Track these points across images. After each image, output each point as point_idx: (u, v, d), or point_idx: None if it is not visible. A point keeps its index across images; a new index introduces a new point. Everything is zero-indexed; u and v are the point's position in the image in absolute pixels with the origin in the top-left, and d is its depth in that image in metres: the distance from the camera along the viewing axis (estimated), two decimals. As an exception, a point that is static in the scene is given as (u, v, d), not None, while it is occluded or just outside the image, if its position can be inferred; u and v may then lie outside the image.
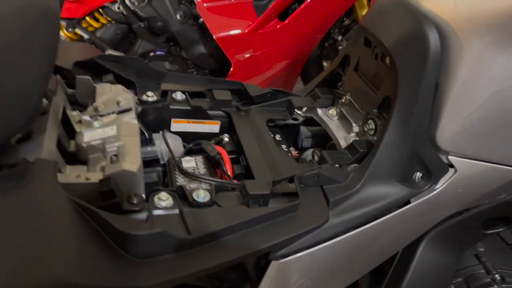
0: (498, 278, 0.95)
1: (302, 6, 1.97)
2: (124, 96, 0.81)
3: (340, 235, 0.75)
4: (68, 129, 0.75)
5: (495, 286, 0.94)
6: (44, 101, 0.71)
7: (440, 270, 0.94)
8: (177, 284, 0.61)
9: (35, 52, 0.55)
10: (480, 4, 0.70)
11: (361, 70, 0.88)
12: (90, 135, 0.72)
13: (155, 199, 0.67)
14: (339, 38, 2.45)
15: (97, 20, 2.07)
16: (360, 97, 0.87)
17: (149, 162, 0.85)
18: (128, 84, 0.93)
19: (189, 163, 0.83)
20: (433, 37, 0.70)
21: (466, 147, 0.76)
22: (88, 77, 0.83)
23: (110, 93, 0.82)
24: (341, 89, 0.98)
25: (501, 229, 0.94)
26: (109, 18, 2.08)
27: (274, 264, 0.72)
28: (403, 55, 0.74)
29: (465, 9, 0.71)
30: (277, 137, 0.97)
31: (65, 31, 2.04)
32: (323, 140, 0.96)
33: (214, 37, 1.99)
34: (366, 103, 0.84)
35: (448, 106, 0.73)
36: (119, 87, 0.85)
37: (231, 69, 2.08)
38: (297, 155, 0.99)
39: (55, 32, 0.59)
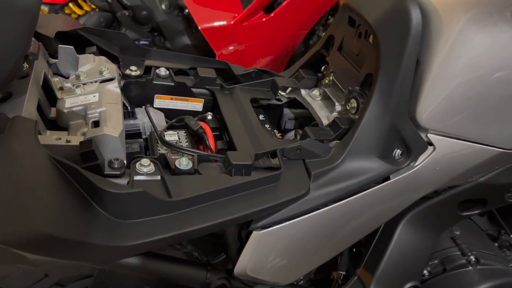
0: (473, 259, 0.97)
1: (288, 0, 1.99)
2: (107, 66, 0.81)
3: (320, 208, 0.76)
4: (50, 96, 0.74)
5: (470, 267, 0.96)
6: (25, 65, 0.70)
7: (417, 251, 0.96)
8: (156, 247, 0.60)
9: (15, 11, 0.55)
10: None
11: (344, 50, 0.90)
12: (71, 101, 0.72)
13: (137, 165, 0.66)
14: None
15: (80, 7, 2.05)
16: (343, 77, 0.89)
17: (131, 135, 0.85)
18: (112, 58, 0.92)
19: (171, 136, 0.83)
20: (415, 14, 0.72)
21: (445, 125, 0.78)
22: (71, 47, 0.82)
23: (93, 63, 0.82)
24: (324, 72, 0.99)
25: (477, 212, 0.96)
26: (93, 6, 2.06)
27: (255, 235, 0.73)
28: (386, 32, 0.75)
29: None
30: (261, 117, 0.97)
31: (48, 16, 2.00)
32: (306, 121, 0.97)
33: (199, 27, 1.99)
34: (349, 82, 0.85)
35: (428, 83, 0.74)
36: (103, 58, 0.85)
37: (216, 61, 2.08)
38: (280, 137, 0.99)
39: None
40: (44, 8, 1.98)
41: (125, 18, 2.07)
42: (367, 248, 0.95)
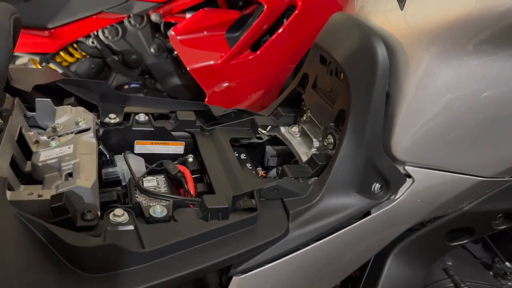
0: (467, 290, 0.95)
1: (273, 37, 2.04)
2: (83, 117, 0.82)
3: (301, 248, 0.74)
4: (25, 150, 0.74)
5: (464, 299, 0.94)
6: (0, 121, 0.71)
7: (409, 284, 0.93)
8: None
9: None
10: (425, 18, 0.73)
11: (319, 87, 0.91)
12: (46, 154, 0.72)
13: (110, 215, 0.66)
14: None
15: (71, 55, 2.09)
16: (319, 113, 0.89)
17: (110, 183, 0.85)
18: (92, 107, 0.94)
19: (150, 182, 0.83)
20: (380, 51, 0.73)
21: (422, 156, 0.78)
22: (48, 99, 0.84)
23: (70, 115, 0.83)
24: (304, 108, 1.00)
25: (465, 241, 0.94)
26: (83, 53, 2.11)
27: (235, 280, 0.71)
28: (354, 69, 0.77)
29: (412, 23, 0.75)
30: (242, 156, 0.97)
31: (39, 66, 2.05)
32: (289, 158, 0.97)
33: (188, 68, 2.03)
34: (324, 118, 0.86)
35: (401, 116, 0.75)
36: (80, 108, 0.86)
37: (206, 100, 2.11)
38: (264, 174, 0.99)
39: (4, 46, 0.60)
40: (36, 58, 2.03)
41: (115, 63, 2.11)
42: (358, 282, 0.93)
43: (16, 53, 2.03)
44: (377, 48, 0.73)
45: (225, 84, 2.13)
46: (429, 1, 0.71)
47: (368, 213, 0.79)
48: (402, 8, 0.74)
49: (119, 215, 0.66)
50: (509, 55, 0.70)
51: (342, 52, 0.80)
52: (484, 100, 0.73)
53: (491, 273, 1.07)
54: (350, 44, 0.78)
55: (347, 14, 0.86)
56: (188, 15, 2.02)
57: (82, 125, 0.80)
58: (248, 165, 0.95)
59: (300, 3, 1.98)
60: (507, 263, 1.10)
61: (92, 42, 2.06)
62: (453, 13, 0.68)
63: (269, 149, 1.02)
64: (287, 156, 0.99)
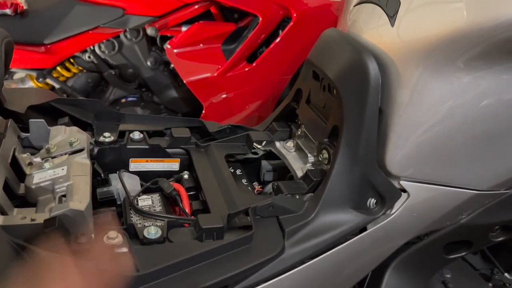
0: (466, 303, 0.94)
1: (269, 49, 2.05)
2: (77, 137, 0.81)
3: (298, 266, 0.74)
4: (19, 172, 0.74)
5: (463, 312, 0.93)
6: (-8, 144, 0.71)
7: (408, 299, 0.93)
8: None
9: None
10: (416, 34, 0.74)
11: (312, 103, 0.91)
12: (39, 177, 0.72)
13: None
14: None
15: (68, 70, 2.09)
16: (313, 128, 0.89)
17: (105, 203, 0.85)
18: (86, 126, 0.94)
19: (145, 201, 0.83)
20: (372, 67, 0.73)
21: (416, 171, 0.78)
22: (42, 120, 0.84)
23: (63, 135, 0.83)
24: (299, 122, 1.00)
25: (463, 254, 0.94)
26: (80, 68, 2.11)
27: (231, 300, 0.71)
28: (346, 85, 0.77)
29: (403, 39, 0.75)
30: (238, 172, 0.97)
31: (36, 81, 2.06)
32: (284, 172, 0.97)
33: (184, 81, 2.04)
34: (318, 134, 0.86)
35: (394, 131, 0.75)
36: (74, 128, 0.86)
37: (203, 112, 2.11)
38: (260, 189, 0.99)
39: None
40: (32, 74, 2.03)
41: (112, 77, 2.12)
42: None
43: (12, 69, 2.03)
44: (368, 64, 0.73)
45: (222, 96, 2.13)
46: (419, 17, 0.72)
47: (364, 229, 0.79)
48: (392, 24, 0.75)
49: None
50: (500, 71, 0.70)
51: (334, 69, 0.80)
52: (477, 114, 0.73)
53: (490, 284, 1.07)
54: (341, 60, 0.79)
55: (338, 30, 0.86)
56: (184, 28, 2.03)
57: (76, 146, 0.80)
58: (244, 180, 0.95)
59: (295, 15, 1.99)
60: (506, 274, 1.09)
61: (89, 57, 2.06)
62: (443, 29, 0.69)
63: (264, 164, 1.02)
64: (283, 171, 0.99)
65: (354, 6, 0.85)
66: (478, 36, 0.67)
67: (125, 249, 0.64)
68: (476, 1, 0.65)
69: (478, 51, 0.68)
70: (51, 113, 0.91)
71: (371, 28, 0.80)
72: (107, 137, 0.90)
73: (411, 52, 0.72)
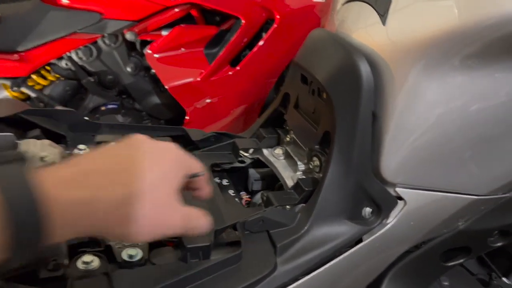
0: (466, 311, 0.91)
1: (253, 51, 2.01)
2: (49, 151, 0.75)
3: (291, 283, 0.69)
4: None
5: (463, 321, 0.90)
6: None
7: (406, 309, 0.89)
8: None
9: None
10: (409, 33, 0.70)
11: (301, 107, 0.87)
12: (6, 197, 0.65)
13: (78, 263, 0.60)
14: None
15: (44, 77, 2.01)
16: (302, 135, 0.85)
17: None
18: (60, 138, 0.87)
19: (125, 218, 0.77)
20: (364, 69, 0.69)
21: (412, 177, 0.74)
22: (11, 133, 0.77)
23: (34, 149, 0.76)
24: (287, 128, 0.96)
25: (461, 260, 0.90)
26: (57, 75, 2.03)
27: (221, 324, 0.65)
28: (337, 88, 0.73)
29: (395, 39, 0.71)
30: (225, 182, 0.92)
31: (11, 91, 1.97)
32: (273, 181, 0.92)
33: (166, 87, 1.98)
34: (308, 140, 0.81)
35: (389, 136, 0.71)
36: (46, 142, 0.79)
37: (187, 117, 2.05)
38: (249, 199, 0.94)
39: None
40: (7, 83, 1.94)
41: (91, 84, 2.04)
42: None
43: (-15, 79, 1.94)
44: (360, 66, 0.69)
45: (206, 101, 2.08)
46: (412, 16, 0.68)
47: (360, 240, 0.75)
48: (384, 23, 0.71)
49: (88, 261, 0.60)
50: (496, 70, 0.67)
51: (323, 72, 0.75)
52: (474, 117, 0.69)
53: (488, 290, 1.04)
54: (331, 63, 0.74)
55: (326, 30, 0.82)
56: (164, 33, 1.97)
57: (48, 160, 0.73)
58: (231, 191, 0.90)
59: (278, 17, 1.96)
60: (503, 278, 1.07)
61: (66, 64, 1.98)
62: (437, 27, 0.65)
63: (252, 172, 0.97)
64: (272, 179, 0.94)
65: (343, 4, 0.81)
66: (473, 34, 0.64)
67: (102, 275, 0.59)
68: None
69: (474, 50, 0.65)
70: (21, 125, 0.85)
71: (361, 28, 0.76)
72: (82, 149, 0.84)
73: (404, 52, 0.68)
